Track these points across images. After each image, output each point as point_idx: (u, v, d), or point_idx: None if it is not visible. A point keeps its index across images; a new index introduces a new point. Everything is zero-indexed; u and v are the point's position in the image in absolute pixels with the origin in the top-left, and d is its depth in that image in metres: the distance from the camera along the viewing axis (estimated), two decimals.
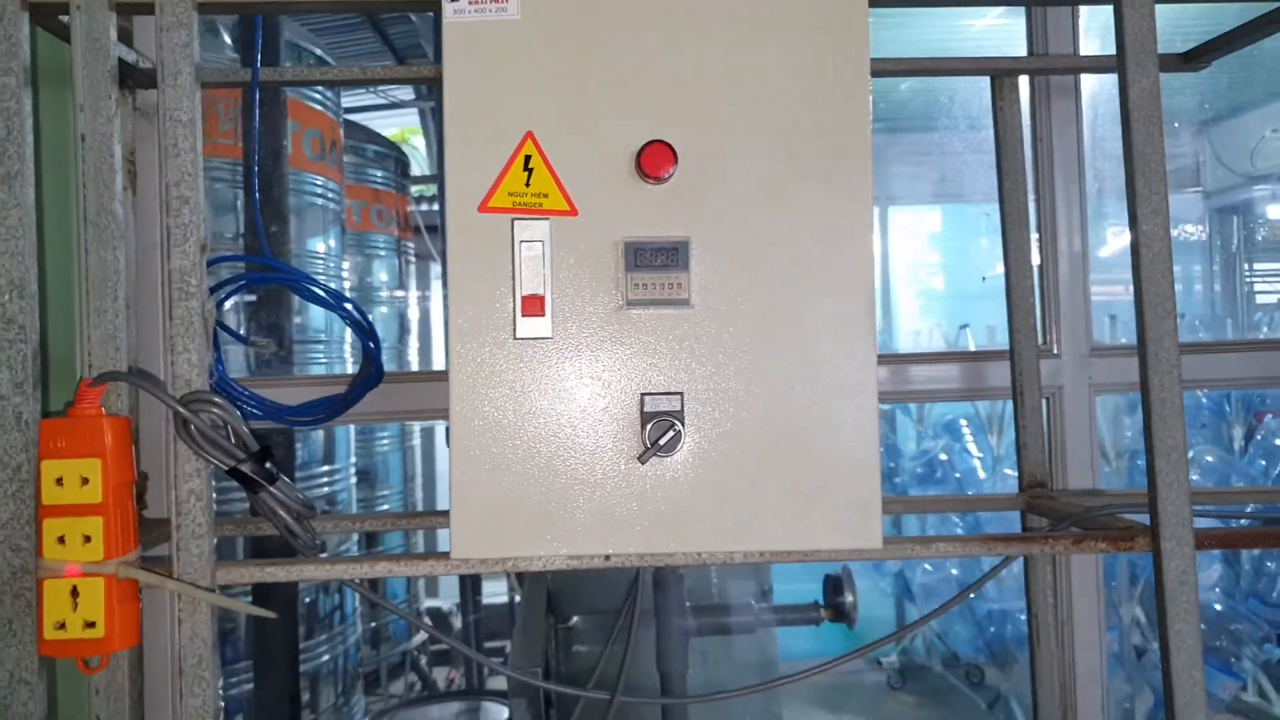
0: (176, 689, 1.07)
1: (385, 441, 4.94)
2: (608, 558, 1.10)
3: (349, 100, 5.11)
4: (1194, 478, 4.35)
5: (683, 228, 1.09)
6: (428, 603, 5.47)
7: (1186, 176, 5.52)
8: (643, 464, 1.08)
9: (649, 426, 1.08)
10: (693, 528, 1.09)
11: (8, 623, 1.05)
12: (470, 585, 4.58)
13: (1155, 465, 1.11)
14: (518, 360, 1.08)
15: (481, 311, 1.07)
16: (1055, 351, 1.64)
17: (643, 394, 1.09)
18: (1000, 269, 1.52)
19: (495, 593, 5.41)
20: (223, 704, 2.92)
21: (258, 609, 1.11)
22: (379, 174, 4.78)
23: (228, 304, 2.92)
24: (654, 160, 1.06)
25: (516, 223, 1.07)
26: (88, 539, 1.02)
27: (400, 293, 5.04)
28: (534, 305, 1.07)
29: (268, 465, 1.10)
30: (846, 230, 1.10)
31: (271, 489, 1.09)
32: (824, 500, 1.10)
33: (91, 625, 1.02)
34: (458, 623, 4.96)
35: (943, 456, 5.47)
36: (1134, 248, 1.14)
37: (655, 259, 1.08)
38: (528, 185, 1.07)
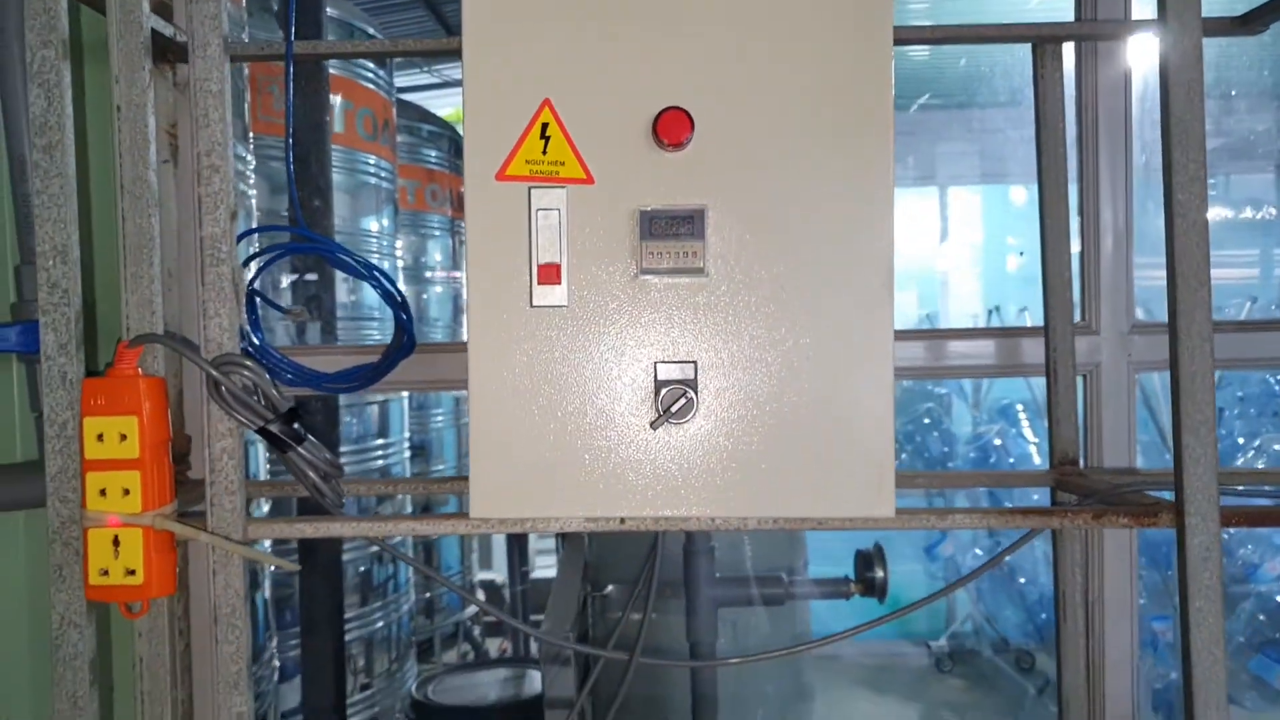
0: (212, 636, 1.12)
1: (440, 417, 5.03)
2: (623, 520, 1.12)
3: (403, 80, 5.19)
4: (1259, 466, 4.22)
5: (699, 196, 1.09)
6: (481, 575, 5.58)
7: (1267, 156, 5.31)
8: (655, 430, 1.09)
9: (662, 393, 1.09)
10: (706, 493, 1.10)
11: (58, 569, 1.11)
12: (518, 558, 4.66)
13: (1182, 440, 1.09)
14: (534, 328, 1.10)
15: (499, 279, 1.09)
16: (1094, 328, 1.61)
17: (656, 362, 1.10)
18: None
19: (546, 565, 5.50)
20: (278, 663, 3.04)
21: (283, 562, 1.16)
22: (433, 154, 4.84)
23: (284, 282, 3.01)
24: (671, 127, 1.07)
25: (533, 191, 1.08)
26: (126, 492, 1.07)
27: (456, 274, 5.10)
28: (550, 273, 1.09)
29: (296, 426, 1.14)
30: (866, 199, 1.09)
31: (299, 449, 1.13)
32: (838, 469, 1.10)
33: (132, 573, 1.08)
34: (508, 594, 5.06)
35: (997, 441, 5.38)
36: (1168, 217, 1.12)
37: (671, 227, 1.09)
38: (545, 153, 1.08)
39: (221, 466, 1.11)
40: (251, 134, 2.78)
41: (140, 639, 1.16)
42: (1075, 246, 1.63)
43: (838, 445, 1.10)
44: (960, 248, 6.68)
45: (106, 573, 1.08)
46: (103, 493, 1.07)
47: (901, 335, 1.64)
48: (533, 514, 1.11)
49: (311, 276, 2.92)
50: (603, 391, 1.10)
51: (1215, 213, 5.26)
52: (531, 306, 1.09)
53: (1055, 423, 1.46)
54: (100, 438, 1.07)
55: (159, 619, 1.16)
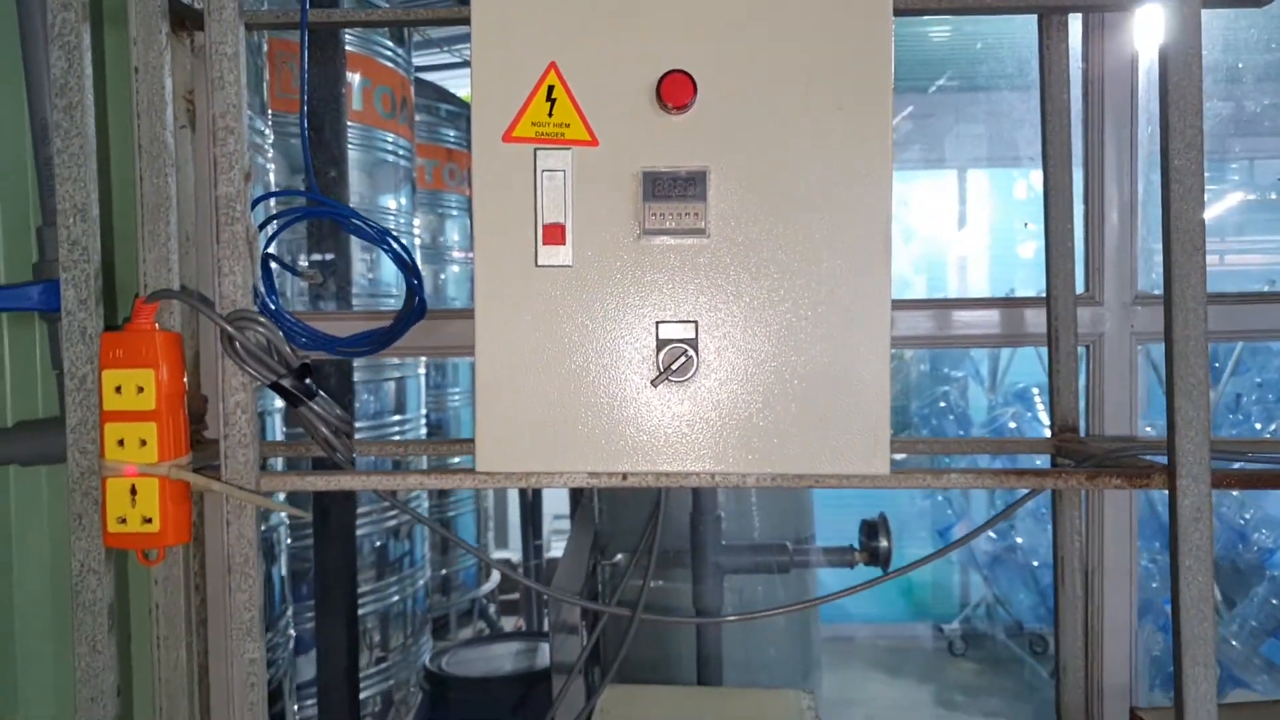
0: (225, 585, 1.16)
1: (456, 397, 5.08)
2: (625, 476, 1.15)
3: (422, 59, 5.21)
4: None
5: (701, 158, 1.11)
6: (497, 554, 5.64)
7: None
8: (655, 387, 1.12)
9: (663, 352, 1.12)
10: (706, 450, 1.13)
11: (78, 517, 1.15)
12: (531, 533, 4.71)
13: (1175, 403, 1.11)
14: (539, 287, 1.12)
15: (505, 239, 1.12)
16: (1098, 299, 1.62)
17: (658, 321, 1.12)
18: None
19: (562, 544, 5.53)
20: (294, 633, 3.10)
21: (294, 509, 1.19)
22: (451, 133, 4.86)
23: (303, 261, 3.05)
24: (674, 90, 1.09)
25: (539, 152, 1.11)
26: (144, 443, 1.11)
27: (473, 254, 5.11)
28: (555, 234, 1.11)
29: (307, 381, 1.17)
30: (865, 163, 1.11)
31: (311, 404, 1.17)
32: (835, 427, 1.12)
33: (148, 521, 1.12)
34: (523, 574, 5.12)
35: (1012, 424, 5.37)
36: (1164, 182, 1.13)
37: (673, 189, 1.11)
38: (550, 115, 1.11)
39: (235, 420, 1.15)
40: (270, 111, 2.82)
41: (157, 586, 1.20)
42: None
43: (835, 404, 1.12)
44: (977, 233, 6.64)
45: (124, 520, 1.12)
46: (120, 443, 1.11)
47: (908, 304, 1.65)
48: (537, 468, 1.14)
49: (329, 256, 2.96)
50: (605, 350, 1.13)
51: (1238, 197, 5.20)
52: (537, 266, 1.12)
53: (1056, 391, 1.48)
54: (118, 390, 1.11)
55: (174, 568, 1.20)
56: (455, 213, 5.01)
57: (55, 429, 1.30)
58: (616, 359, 1.13)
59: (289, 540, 3.25)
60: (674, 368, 1.11)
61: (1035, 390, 5.56)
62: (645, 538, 1.32)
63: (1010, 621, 5.67)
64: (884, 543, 1.84)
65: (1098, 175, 1.63)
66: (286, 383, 1.15)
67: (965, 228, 6.61)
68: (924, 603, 6.06)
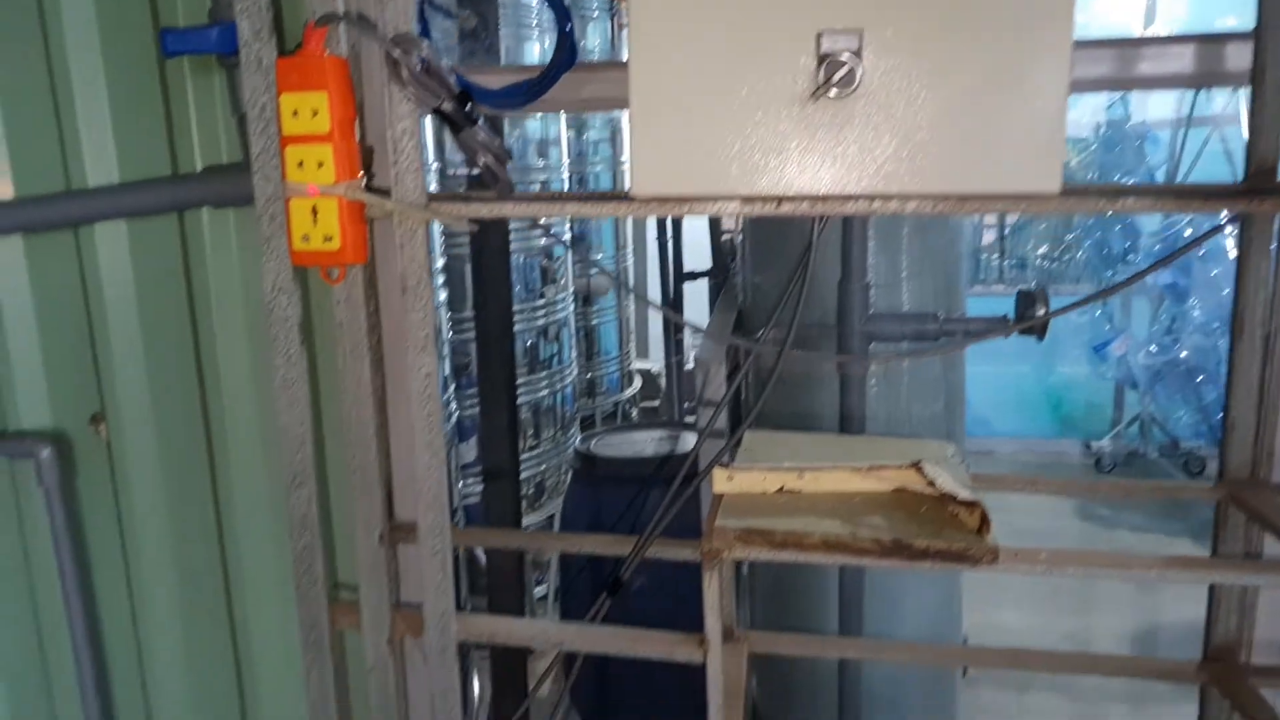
0: (401, 307, 1.24)
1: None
2: (779, 202, 1.13)
3: None
4: None
5: None
6: (638, 364, 5.82)
7: None
8: (814, 100, 1.08)
9: (824, 64, 1.07)
10: (868, 170, 1.09)
11: (267, 240, 1.24)
12: (672, 347, 4.81)
13: None
14: None
15: None
16: None
17: (819, 32, 1.07)
18: None
19: None
20: (456, 413, 3.34)
21: (461, 224, 1.25)
22: None
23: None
24: None
25: None
26: (321, 165, 1.17)
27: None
28: None
29: (468, 108, 1.19)
30: None
31: (473, 129, 1.20)
32: (1005, 145, 1.07)
33: (329, 239, 1.19)
34: (663, 383, 5.29)
35: (1188, 232, 4.99)
36: None
37: None
38: None
39: (403, 146, 1.19)
40: None
41: (339, 305, 1.30)
42: None
43: (1007, 120, 1.06)
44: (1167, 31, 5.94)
45: (307, 239, 1.20)
46: (300, 165, 1.18)
47: (1086, 44, 1.52)
48: (691, 192, 1.14)
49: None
50: (762, 65, 1.09)
51: None
52: None
53: (1255, 132, 1.34)
54: (295, 114, 1.16)
55: (354, 289, 1.29)
56: (595, 14, 4.88)
57: (239, 173, 1.38)
58: (773, 74, 1.09)
59: (450, 333, 3.45)
60: (835, 79, 1.06)
61: None
62: (798, 273, 1.31)
63: (1166, 440, 5.48)
64: (1040, 310, 1.79)
65: None
66: (448, 107, 1.18)
67: (1153, 25, 5.93)
68: (1074, 419, 5.91)
